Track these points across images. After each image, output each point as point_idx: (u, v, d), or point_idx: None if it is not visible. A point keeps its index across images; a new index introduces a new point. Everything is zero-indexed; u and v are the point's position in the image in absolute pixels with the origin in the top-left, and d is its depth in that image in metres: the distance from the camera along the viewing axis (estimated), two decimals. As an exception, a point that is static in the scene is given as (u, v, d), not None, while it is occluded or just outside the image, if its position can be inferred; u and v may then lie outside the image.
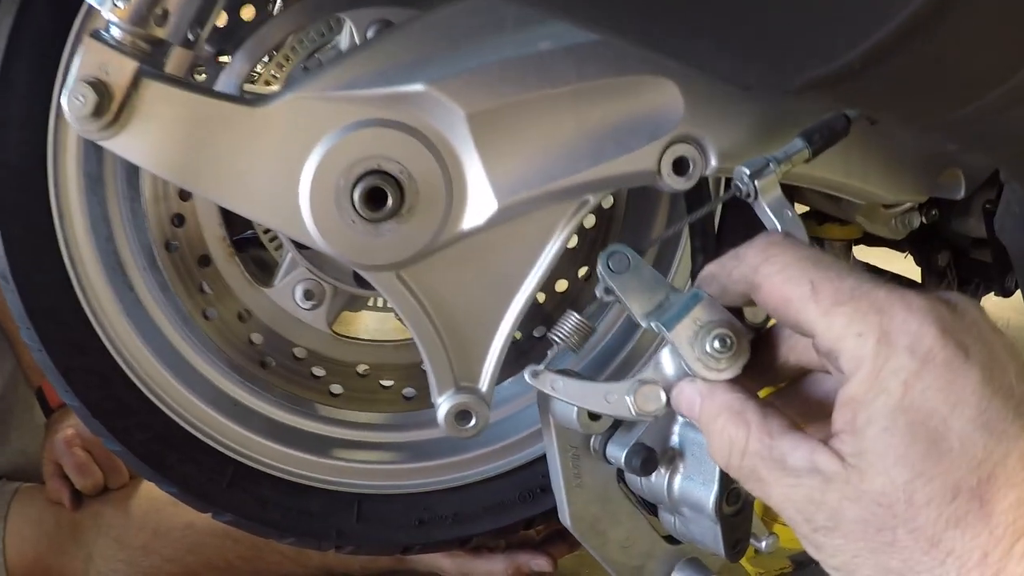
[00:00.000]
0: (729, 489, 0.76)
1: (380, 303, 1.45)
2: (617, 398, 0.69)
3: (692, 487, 0.77)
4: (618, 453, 0.79)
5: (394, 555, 1.11)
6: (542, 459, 1.03)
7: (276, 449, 1.03)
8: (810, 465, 0.54)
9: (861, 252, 1.44)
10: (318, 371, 1.10)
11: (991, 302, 1.44)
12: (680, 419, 0.78)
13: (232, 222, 1.09)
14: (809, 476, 0.54)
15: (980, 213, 1.17)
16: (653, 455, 0.77)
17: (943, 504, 0.51)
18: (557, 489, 0.84)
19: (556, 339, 0.77)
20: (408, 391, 1.11)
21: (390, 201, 0.80)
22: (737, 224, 0.99)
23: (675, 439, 0.79)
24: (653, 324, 0.68)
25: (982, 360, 0.52)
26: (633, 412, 0.69)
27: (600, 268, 0.70)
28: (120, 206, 1.00)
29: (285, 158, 0.78)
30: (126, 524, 1.33)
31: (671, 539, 0.88)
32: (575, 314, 0.76)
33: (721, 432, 0.59)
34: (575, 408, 0.77)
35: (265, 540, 1.07)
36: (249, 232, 1.22)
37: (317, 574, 1.36)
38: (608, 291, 0.71)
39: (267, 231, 1.13)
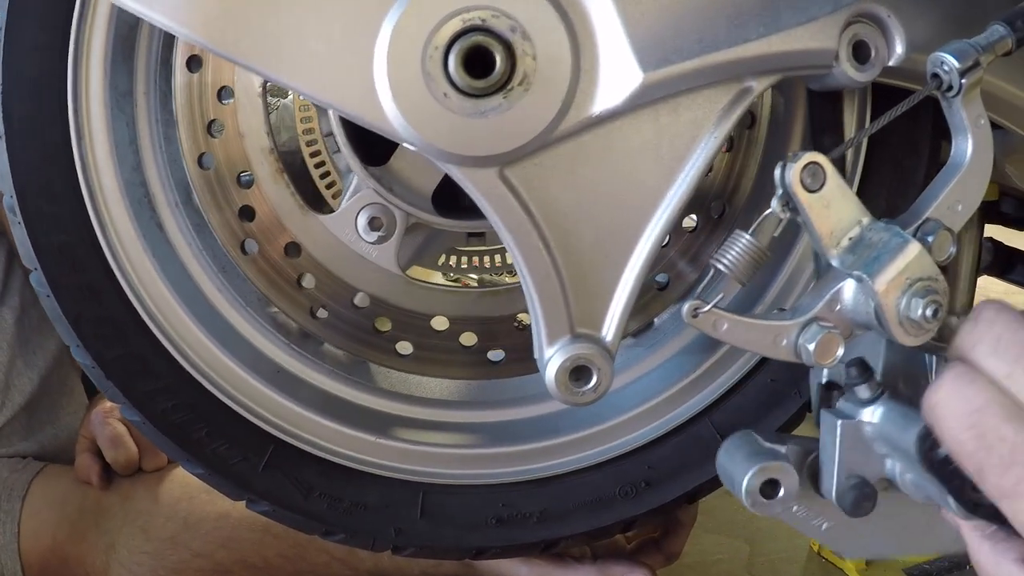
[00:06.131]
0: None
1: (468, 247, 1.15)
2: (788, 343, 0.61)
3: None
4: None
5: (463, 559, 0.92)
6: (648, 447, 0.88)
7: (325, 425, 0.88)
8: None
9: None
10: (383, 325, 0.91)
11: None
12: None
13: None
14: None
15: None
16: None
17: None
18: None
19: (721, 266, 0.61)
20: (495, 353, 0.93)
21: (498, 68, 0.63)
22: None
23: None
24: (852, 272, 0.60)
25: None
26: (811, 360, 0.61)
27: (789, 180, 0.59)
28: (152, 129, 0.86)
29: (357, 6, 0.61)
30: (155, 512, 1.20)
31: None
32: (745, 235, 0.61)
33: None
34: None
35: (309, 537, 0.91)
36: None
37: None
38: (790, 208, 0.60)
39: (314, 155, 0.91)
